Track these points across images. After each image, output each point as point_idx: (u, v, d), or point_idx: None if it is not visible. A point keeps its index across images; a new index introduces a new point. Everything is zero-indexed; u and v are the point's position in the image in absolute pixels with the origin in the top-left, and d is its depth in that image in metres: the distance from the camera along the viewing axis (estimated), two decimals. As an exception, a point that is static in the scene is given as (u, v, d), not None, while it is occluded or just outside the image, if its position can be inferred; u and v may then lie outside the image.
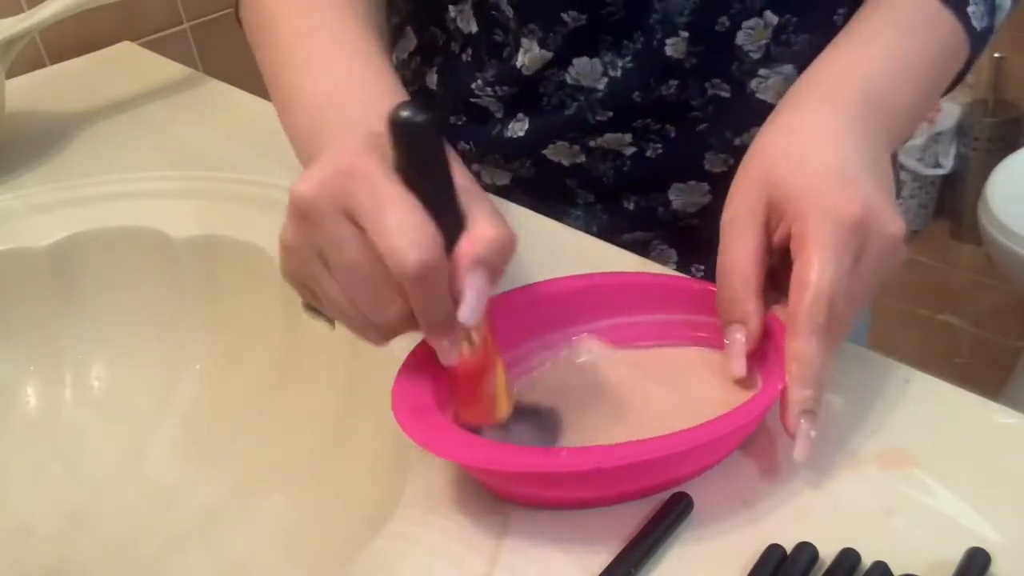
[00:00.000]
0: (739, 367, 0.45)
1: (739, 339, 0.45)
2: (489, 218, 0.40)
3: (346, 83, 0.49)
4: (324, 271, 0.41)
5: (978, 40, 0.53)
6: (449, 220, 0.39)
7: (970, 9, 0.52)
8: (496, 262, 0.40)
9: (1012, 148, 1.60)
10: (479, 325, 0.41)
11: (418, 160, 0.39)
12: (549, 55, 0.62)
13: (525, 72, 0.63)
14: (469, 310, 0.39)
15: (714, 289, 0.47)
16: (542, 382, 0.49)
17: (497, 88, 0.65)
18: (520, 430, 0.45)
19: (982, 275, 2.01)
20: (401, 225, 0.38)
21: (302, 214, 0.40)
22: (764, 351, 0.45)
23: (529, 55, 0.62)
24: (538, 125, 0.65)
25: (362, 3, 0.55)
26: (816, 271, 0.41)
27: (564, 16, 0.60)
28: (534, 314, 0.50)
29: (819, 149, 0.45)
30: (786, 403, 0.42)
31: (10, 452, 0.66)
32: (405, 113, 0.38)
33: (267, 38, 0.55)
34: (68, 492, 0.63)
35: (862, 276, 0.43)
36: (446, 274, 0.39)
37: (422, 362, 0.45)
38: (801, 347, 0.41)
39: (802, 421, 0.41)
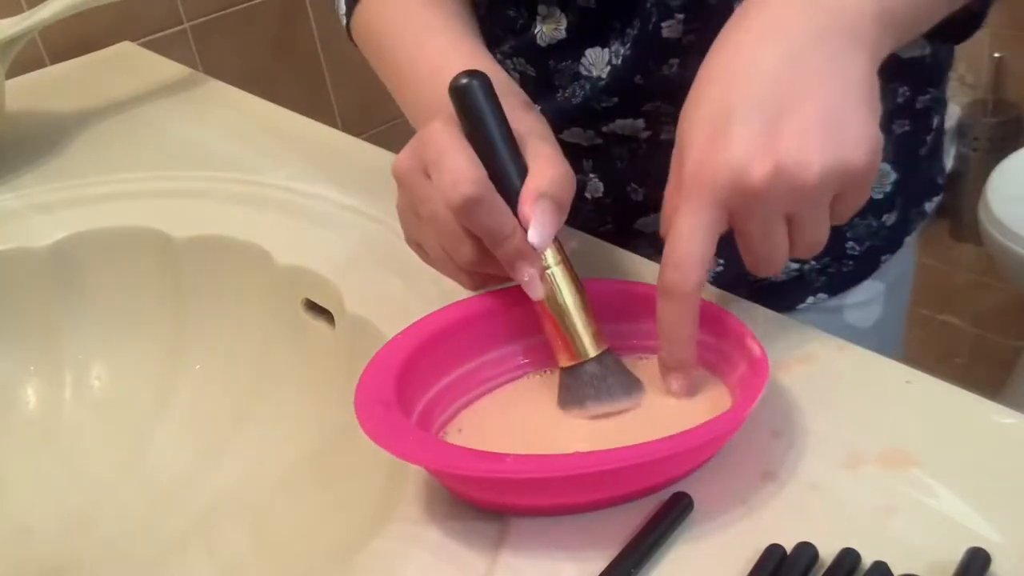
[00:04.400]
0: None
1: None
2: (548, 159, 0.46)
3: (444, 60, 0.55)
4: (421, 227, 0.47)
5: None
6: (512, 167, 0.46)
7: None
8: (558, 195, 0.45)
9: (1012, 148, 1.60)
10: (549, 251, 0.46)
11: (473, 118, 0.45)
12: (562, 35, 0.62)
13: (540, 43, 0.63)
14: (536, 233, 0.45)
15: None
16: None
17: (515, 60, 0.66)
18: (604, 384, 0.47)
19: (982, 275, 2.00)
20: (450, 168, 0.44)
21: (399, 182, 0.47)
22: (733, 361, 0.46)
23: (545, 26, 0.63)
24: (551, 112, 0.66)
25: None
26: (670, 243, 0.43)
27: None
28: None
29: (732, 58, 0.44)
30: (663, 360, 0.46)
31: (10, 452, 0.66)
32: (461, 80, 0.45)
33: (390, 25, 0.60)
34: (68, 492, 0.63)
35: (774, 229, 0.43)
36: (496, 207, 0.44)
37: (388, 361, 0.45)
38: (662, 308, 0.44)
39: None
